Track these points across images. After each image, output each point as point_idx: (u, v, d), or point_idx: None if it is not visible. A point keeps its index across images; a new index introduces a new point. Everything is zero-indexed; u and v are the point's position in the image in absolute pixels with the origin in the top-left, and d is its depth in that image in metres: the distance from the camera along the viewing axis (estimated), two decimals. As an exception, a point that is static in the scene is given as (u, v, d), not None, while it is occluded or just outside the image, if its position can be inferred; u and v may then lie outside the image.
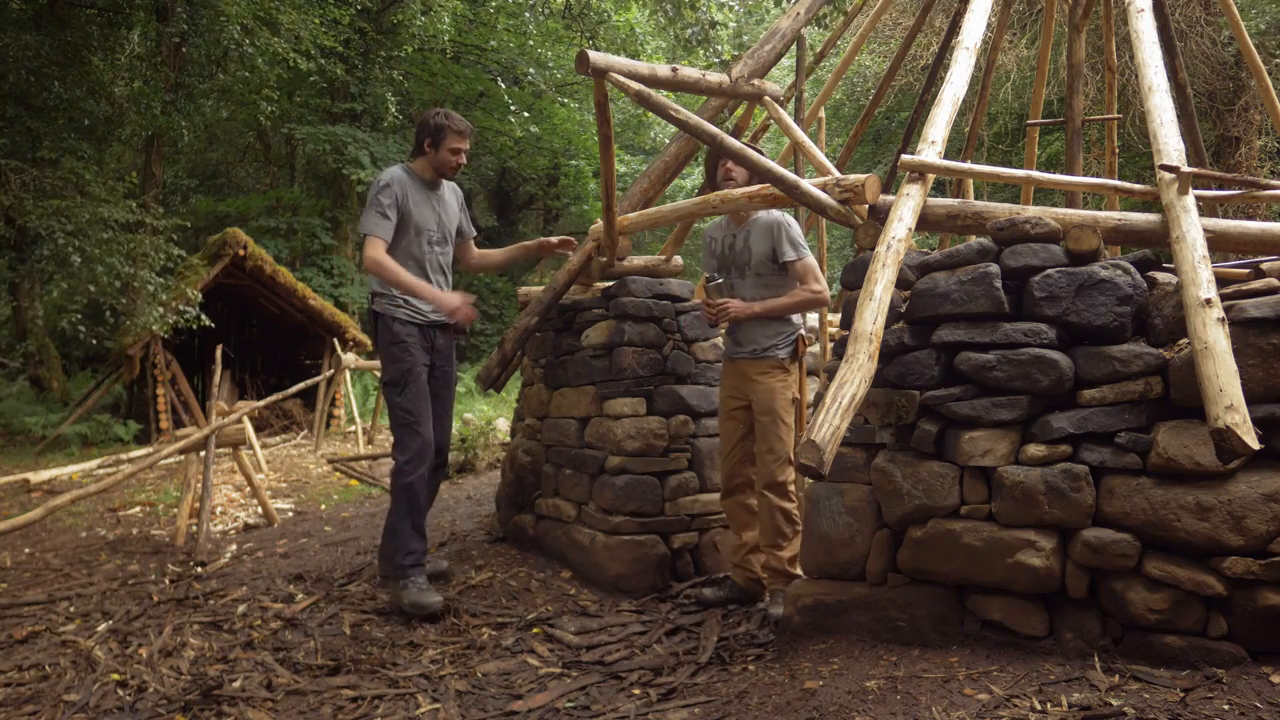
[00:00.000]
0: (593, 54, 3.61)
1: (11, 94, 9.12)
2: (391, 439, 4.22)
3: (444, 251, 4.11)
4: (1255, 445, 2.15)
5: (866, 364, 2.57)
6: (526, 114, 16.52)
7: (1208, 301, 2.38)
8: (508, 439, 7.41)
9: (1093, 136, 9.06)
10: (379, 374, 11.55)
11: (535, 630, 3.69)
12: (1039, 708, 2.24)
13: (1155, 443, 2.46)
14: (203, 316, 10.31)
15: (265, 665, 3.34)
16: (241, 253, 11.58)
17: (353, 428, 11.08)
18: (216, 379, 6.25)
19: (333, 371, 11.05)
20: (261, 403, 6.61)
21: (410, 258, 3.95)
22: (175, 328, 10.35)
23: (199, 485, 5.61)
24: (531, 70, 16.84)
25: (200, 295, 10.58)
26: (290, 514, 6.44)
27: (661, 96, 3.71)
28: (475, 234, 4.38)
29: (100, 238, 8.88)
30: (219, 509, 6.56)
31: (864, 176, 3.21)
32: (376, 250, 3.81)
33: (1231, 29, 5.71)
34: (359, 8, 13.54)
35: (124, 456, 8.84)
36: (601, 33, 14.29)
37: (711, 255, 3.96)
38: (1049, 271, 2.67)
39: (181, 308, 10.15)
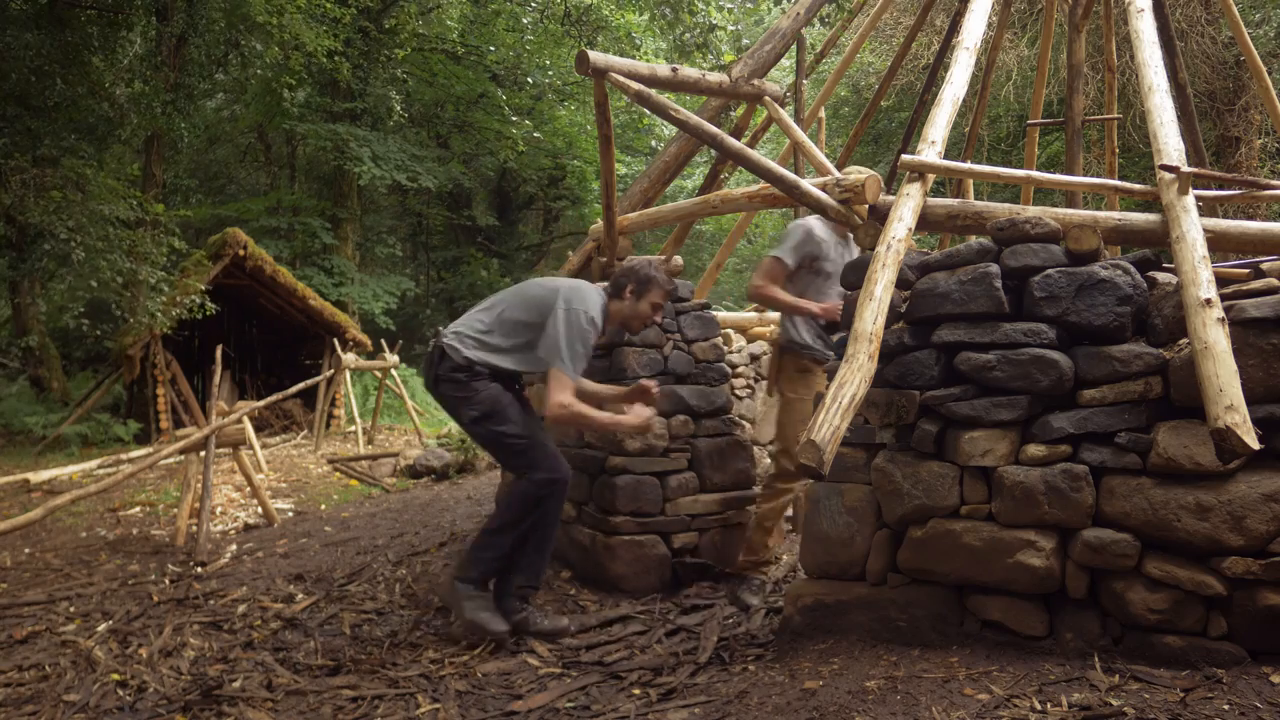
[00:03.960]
0: (593, 54, 3.61)
1: (12, 94, 9.11)
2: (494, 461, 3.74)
3: None
4: (1255, 445, 2.15)
5: (866, 364, 2.57)
6: (528, 121, 16.52)
7: (1208, 301, 2.37)
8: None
9: (1093, 136, 9.06)
10: (377, 374, 11.70)
11: (535, 630, 3.69)
12: (1039, 708, 2.24)
13: (1155, 443, 2.46)
14: (207, 303, 10.31)
15: (265, 665, 3.34)
16: (241, 253, 11.59)
17: (353, 428, 11.09)
18: (216, 379, 6.24)
19: (333, 371, 11.06)
20: (261, 403, 6.60)
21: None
22: (180, 320, 10.36)
23: (199, 485, 5.61)
24: (541, 79, 16.85)
25: (206, 285, 10.59)
26: (290, 514, 6.44)
27: (661, 97, 3.71)
28: None
29: (102, 232, 8.89)
30: (219, 509, 6.56)
31: (864, 176, 3.21)
32: (569, 396, 3.38)
33: (1231, 29, 5.70)
34: (360, 7, 13.54)
35: (124, 456, 8.84)
36: (600, 40, 14.30)
37: (825, 259, 3.92)
38: (1049, 271, 2.66)
39: (188, 302, 10.17)
